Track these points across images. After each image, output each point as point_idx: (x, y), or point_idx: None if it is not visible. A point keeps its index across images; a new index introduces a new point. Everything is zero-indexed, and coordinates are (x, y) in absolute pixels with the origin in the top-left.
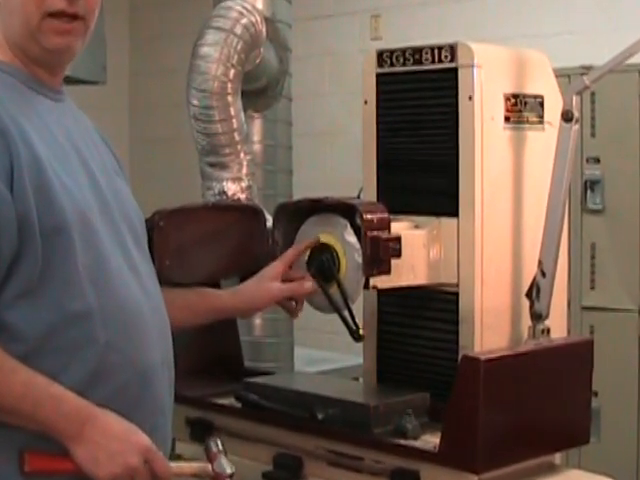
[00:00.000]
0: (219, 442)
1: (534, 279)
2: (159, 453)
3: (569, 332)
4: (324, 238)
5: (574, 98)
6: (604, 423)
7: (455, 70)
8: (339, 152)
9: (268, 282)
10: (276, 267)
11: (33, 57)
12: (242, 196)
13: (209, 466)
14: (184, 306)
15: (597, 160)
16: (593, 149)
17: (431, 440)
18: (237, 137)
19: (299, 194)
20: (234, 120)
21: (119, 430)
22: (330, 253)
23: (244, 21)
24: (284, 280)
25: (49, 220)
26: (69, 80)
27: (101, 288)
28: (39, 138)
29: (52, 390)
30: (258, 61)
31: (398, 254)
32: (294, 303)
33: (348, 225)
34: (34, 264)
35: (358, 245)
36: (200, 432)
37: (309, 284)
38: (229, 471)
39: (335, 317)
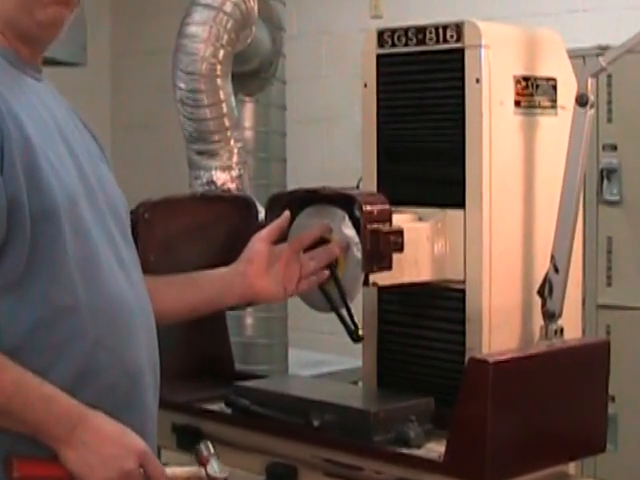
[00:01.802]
0: (210, 445)
1: (546, 275)
2: (154, 456)
3: (584, 332)
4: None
5: (589, 81)
6: (621, 430)
7: (461, 51)
8: (337, 139)
9: (253, 241)
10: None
11: (21, 32)
12: (232, 186)
13: (202, 470)
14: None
15: (614, 147)
16: (609, 135)
17: (435, 449)
18: (227, 123)
19: (293, 184)
20: (224, 105)
21: (112, 432)
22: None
23: None
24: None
25: (38, 203)
26: (46, 61)
27: (90, 280)
28: (27, 117)
29: (43, 390)
30: (249, 41)
31: (400, 248)
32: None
33: (346, 217)
34: (21, 251)
35: (357, 239)
36: (187, 440)
37: (287, 213)
38: (223, 474)
39: (332, 316)
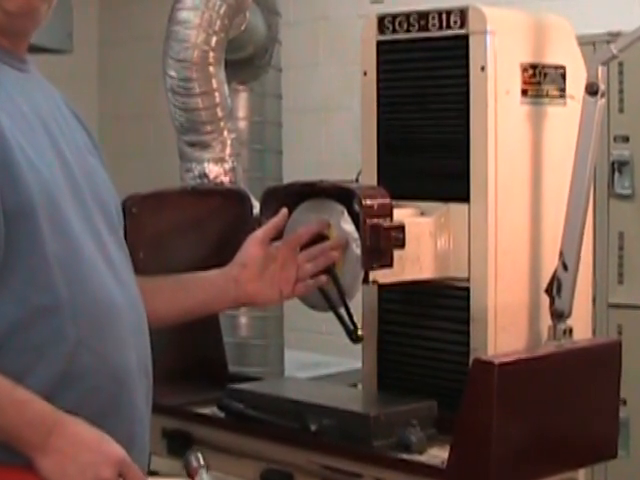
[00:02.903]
0: (200, 456)
1: (555, 273)
2: (134, 465)
3: (594, 332)
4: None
5: (600, 69)
6: (633, 435)
7: (466, 37)
8: (335, 130)
9: (248, 243)
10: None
11: None
12: (225, 179)
13: None
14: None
15: (626, 139)
16: (621, 126)
17: (438, 454)
18: (220, 113)
19: (290, 177)
20: (216, 94)
21: (90, 439)
22: None
23: None
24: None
25: (13, 200)
26: (31, 48)
27: (72, 279)
28: (3, 110)
29: (15, 394)
30: (243, 27)
31: (401, 244)
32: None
33: (345, 212)
34: None
35: (356, 234)
36: (178, 445)
37: (284, 210)
38: None
39: (330, 316)
